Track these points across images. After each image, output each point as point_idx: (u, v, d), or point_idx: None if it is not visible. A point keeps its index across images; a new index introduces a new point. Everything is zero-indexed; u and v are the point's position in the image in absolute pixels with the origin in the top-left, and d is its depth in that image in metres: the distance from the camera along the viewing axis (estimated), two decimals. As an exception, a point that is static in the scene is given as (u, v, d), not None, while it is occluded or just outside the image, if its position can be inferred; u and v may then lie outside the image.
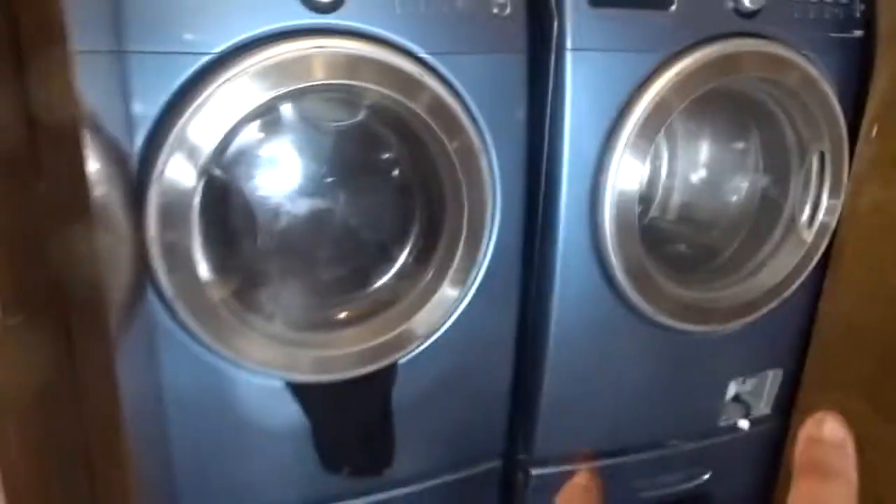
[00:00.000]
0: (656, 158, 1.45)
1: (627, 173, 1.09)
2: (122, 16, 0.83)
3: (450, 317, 1.10)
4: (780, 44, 1.14)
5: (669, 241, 1.47)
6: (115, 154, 0.80)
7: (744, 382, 1.44)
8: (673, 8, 1.07)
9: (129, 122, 0.86)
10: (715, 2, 1.10)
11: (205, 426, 1.04)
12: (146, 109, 0.87)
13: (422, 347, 1.11)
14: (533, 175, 1.11)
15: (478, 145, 1.03)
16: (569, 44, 1.03)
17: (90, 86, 0.70)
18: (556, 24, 1.03)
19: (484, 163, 1.04)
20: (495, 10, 1.01)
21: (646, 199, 1.52)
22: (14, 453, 0.70)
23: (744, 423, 1.37)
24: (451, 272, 1.06)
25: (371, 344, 1.05)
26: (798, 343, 1.37)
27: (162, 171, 0.87)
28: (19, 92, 0.56)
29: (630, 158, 1.08)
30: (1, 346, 0.63)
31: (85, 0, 0.74)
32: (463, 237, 1.05)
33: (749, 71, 1.12)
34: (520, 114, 1.07)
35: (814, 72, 1.16)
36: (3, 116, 0.56)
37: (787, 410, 1.43)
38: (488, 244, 1.09)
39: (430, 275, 1.08)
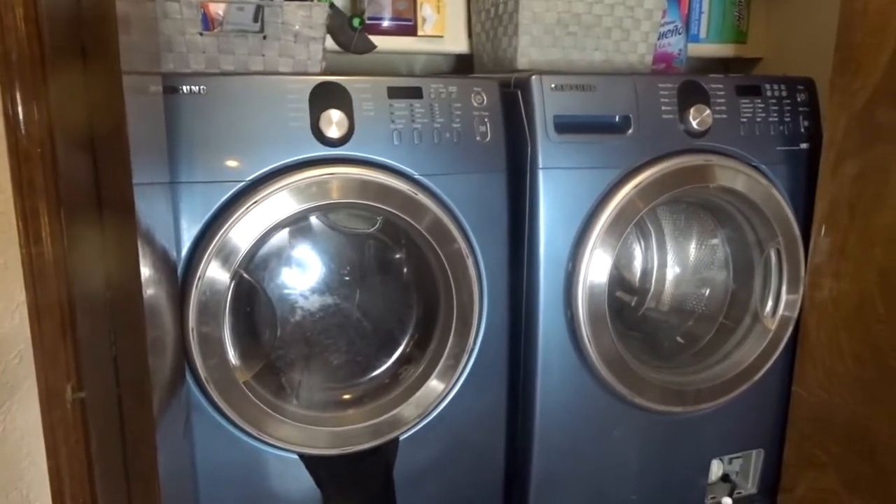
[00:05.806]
0: (647, 256, 1.61)
1: (597, 268, 1.25)
2: (175, 155, 1.06)
3: (436, 407, 1.26)
4: (729, 157, 1.31)
5: (661, 329, 1.61)
6: (163, 263, 1.01)
7: (730, 462, 1.54)
8: (630, 132, 1.26)
9: (177, 237, 1.08)
10: (668, 125, 1.29)
11: (230, 494, 1.20)
12: (190, 226, 1.09)
13: (421, 424, 1.26)
14: (515, 273, 1.28)
15: (465, 250, 1.21)
16: (540, 163, 1.23)
17: (147, 210, 0.91)
18: (529, 148, 1.23)
19: (471, 265, 1.22)
20: (478, 138, 1.22)
21: (640, 291, 1.67)
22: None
23: (727, 501, 1.45)
24: (440, 365, 1.23)
25: (372, 422, 1.21)
26: (777, 424, 1.47)
27: (201, 276, 1.07)
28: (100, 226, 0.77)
29: (599, 255, 1.25)
30: (69, 415, 0.82)
31: (147, 147, 0.97)
32: (453, 329, 1.22)
33: (702, 180, 1.30)
34: (501, 222, 1.26)
35: (762, 180, 1.33)
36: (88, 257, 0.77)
37: (774, 490, 1.51)
38: (477, 334, 1.26)
39: (423, 365, 1.25)
